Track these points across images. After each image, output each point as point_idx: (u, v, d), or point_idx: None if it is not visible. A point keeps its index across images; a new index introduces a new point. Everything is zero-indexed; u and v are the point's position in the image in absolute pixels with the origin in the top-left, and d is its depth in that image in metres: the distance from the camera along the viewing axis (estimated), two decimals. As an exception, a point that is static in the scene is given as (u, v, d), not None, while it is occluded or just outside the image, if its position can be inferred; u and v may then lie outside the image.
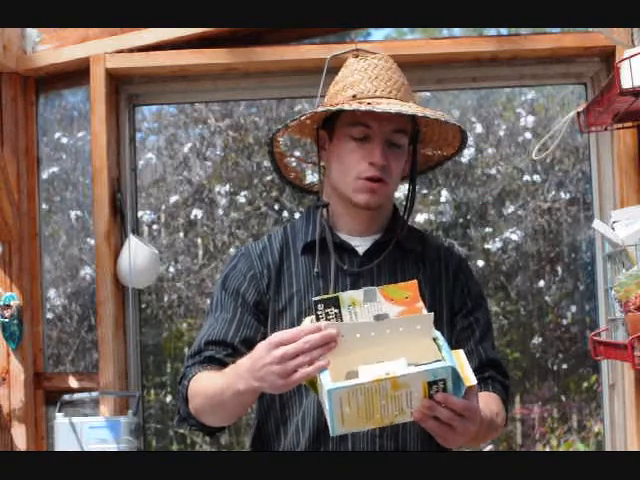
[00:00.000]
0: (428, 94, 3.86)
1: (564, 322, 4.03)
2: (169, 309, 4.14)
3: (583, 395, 3.99)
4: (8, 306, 2.69)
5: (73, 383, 2.76)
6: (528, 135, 4.07)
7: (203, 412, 1.69)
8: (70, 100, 3.02)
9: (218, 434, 1.84)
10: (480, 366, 1.78)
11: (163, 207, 4.18)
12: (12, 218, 2.68)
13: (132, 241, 2.70)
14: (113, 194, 2.73)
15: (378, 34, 3.53)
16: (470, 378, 1.47)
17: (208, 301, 3.99)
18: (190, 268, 4.16)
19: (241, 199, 4.13)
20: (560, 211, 3.99)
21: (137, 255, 2.69)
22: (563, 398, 4.04)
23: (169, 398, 4.14)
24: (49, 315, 3.12)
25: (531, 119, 4.07)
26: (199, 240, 4.19)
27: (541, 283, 4.02)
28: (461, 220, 4.10)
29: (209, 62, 2.71)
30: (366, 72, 1.78)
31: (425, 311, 1.53)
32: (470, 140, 4.04)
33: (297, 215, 3.94)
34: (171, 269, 4.17)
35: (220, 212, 4.17)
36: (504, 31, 2.91)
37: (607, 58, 2.65)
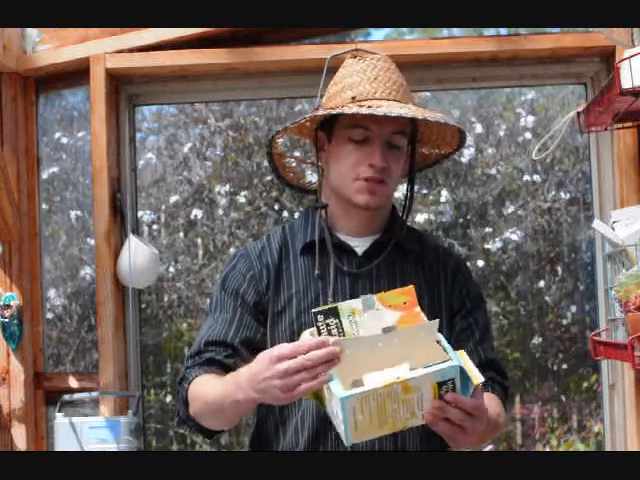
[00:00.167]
0: (428, 94, 3.86)
1: (564, 322, 4.03)
2: (169, 309, 4.14)
3: (583, 395, 3.99)
4: (8, 306, 2.69)
5: (73, 383, 2.76)
6: (528, 135, 4.07)
7: (202, 416, 1.69)
8: (70, 100, 3.02)
9: (217, 436, 1.84)
10: (479, 367, 1.76)
11: (163, 207, 4.18)
12: (12, 218, 2.68)
13: (132, 241, 2.70)
14: (113, 194, 2.73)
15: (378, 34, 3.53)
16: (477, 376, 1.47)
17: (208, 301, 3.98)
18: (190, 268, 4.16)
19: (241, 199, 4.13)
20: (560, 211, 3.99)
21: (137, 255, 2.69)
22: (563, 398, 4.03)
23: (169, 398, 4.13)
24: (49, 315, 3.12)
25: (531, 119, 4.07)
26: (199, 240, 4.19)
27: (541, 283, 4.02)
28: (461, 220, 4.10)
29: (209, 62, 2.71)
30: (365, 73, 1.77)
31: (423, 315, 1.53)
32: (470, 140, 4.04)
33: (297, 215, 3.94)
34: (171, 269, 4.17)
35: (220, 212, 4.16)
36: (504, 31, 2.91)
37: (607, 58, 2.65)
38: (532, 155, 2.58)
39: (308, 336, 1.49)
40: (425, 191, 4.11)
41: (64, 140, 3.07)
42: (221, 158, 4.24)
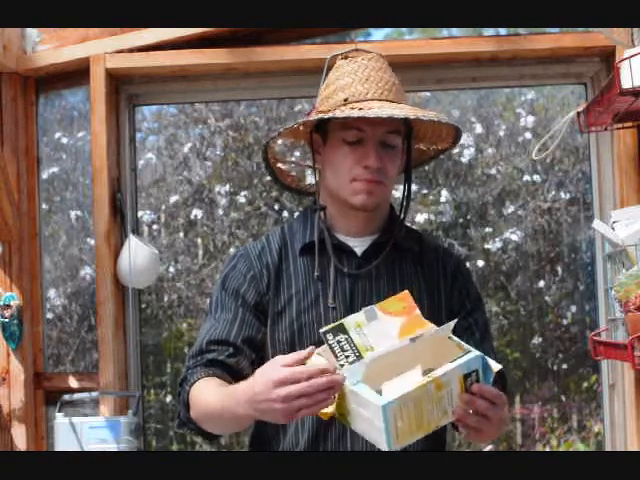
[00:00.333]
0: (428, 94, 3.86)
1: (564, 322, 4.03)
2: (169, 309, 4.14)
3: (583, 395, 3.99)
4: (8, 306, 2.69)
5: (73, 383, 2.76)
6: (528, 135, 4.07)
7: (203, 421, 1.69)
8: (70, 100, 3.02)
9: (218, 439, 1.84)
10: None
11: (163, 207, 4.18)
12: (12, 218, 2.68)
13: (132, 241, 2.70)
14: (113, 194, 2.73)
15: (378, 34, 3.53)
16: (495, 364, 1.48)
17: (208, 301, 3.98)
18: (190, 268, 4.16)
19: (241, 199, 4.13)
20: (560, 211, 3.99)
21: (137, 255, 2.69)
22: (563, 398, 4.03)
23: (169, 398, 4.13)
24: (49, 315, 3.12)
25: (531, 119, 4.07)
26: (199, 240, 4.19)
27: (541, 283, 4.02)
28: (461, 220, 4.10)
29: (209, 62, 2.71)
30: (356, 74, 1.77)
31: (423, 318, 1.54)
32: (470, 140, 4.04)
33: (297, 215, 3.93)
34: (171, 269, 4.17)
35: (220, 212, 4.16)
36: (503, 31, 2.91)
37: (607, 58, 2.65)
38: (532, 155, 2.58)
39: (317, 358, 1.47)
40: (425, 191, 4.11)
41: (64, 140, 3.07)
42: (221, 158, 4.25)
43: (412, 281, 1.78)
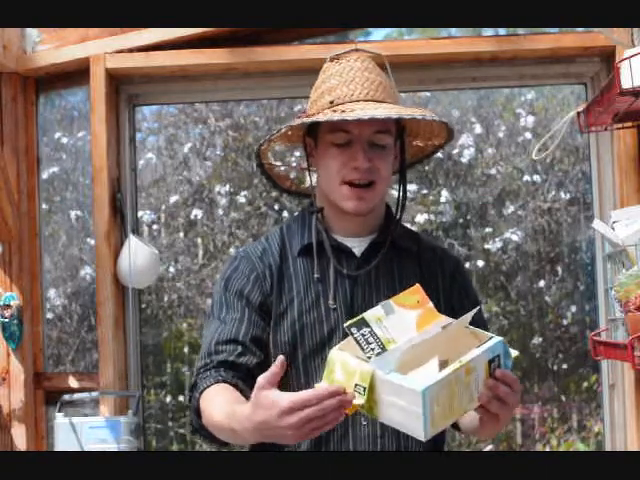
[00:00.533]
0: (428, 94, 3.86)
1: (564, 322, 4.03)
2: (169, 309, 4.14)
3: (583, 395, 3.99)
4: (8, 306, 2.69)
5: (73, 383, 2.76)
6: (528, 135, 4.07)
7: (214, 433, 1.66)
8: (70, 100, 3.02)
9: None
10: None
11: (163, 207, 4.18)
12: (12, 218, 2.68)
13: (132, 241, 2.70)
14: (113, 194, 2.73)
15: (378, 34, 3.53)
16: (513, 351, 1.50)
17: (208, 301, 3.99)
18: (190, 268, 4.16)
19: (241, 199, 4.13)
20: (560, 211, 3.99)
21: (137, 255, 2.69)
22: (563, 398, 4.04)
23: (169, 398, 4.14)
24: (49, 315, 3.12)
25: (531, 119, 4.07)
26: (199, 240, 4.19)
27: (541, 283, 4.03)
28: (461, 220, 4.10)
29: (209, 62, 2.71)
30: (341, 76, 1.77)
31: (435, 310, 1.55)
32: (470, 140, 4.04)
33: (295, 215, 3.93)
34: (171, 269, 4.17)
35: (220, 212, 4.17)
36: (503, 31, 2.91)
37: (607, 58, 2.65)
38: (532, 155, 2.58)
39: (339, 354, 1.48)
40: (425, 191, 4.12)
41: (64, 140, 3.07)
42: (221, 158, 4.25)
43: (411, 280, 1.78)
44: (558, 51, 2.67)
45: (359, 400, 1.42)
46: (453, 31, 2.91)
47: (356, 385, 1.41)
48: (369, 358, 1.43)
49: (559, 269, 4.01)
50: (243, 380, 1.68)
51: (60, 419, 2.60)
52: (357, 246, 1.81)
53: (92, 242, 2.90)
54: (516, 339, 4.05)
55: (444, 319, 1.54)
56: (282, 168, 1.98)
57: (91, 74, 2.70)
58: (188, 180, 4.18)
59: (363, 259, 1.79)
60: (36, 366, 2.78)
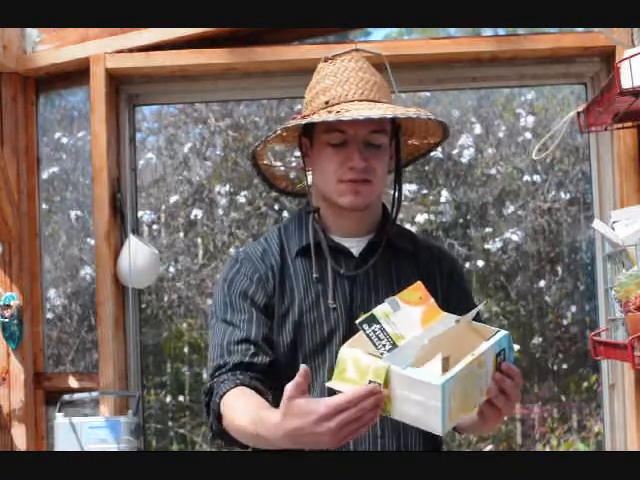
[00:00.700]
0: (428, 94, 3.86)
1: (564, 322, 4.03)
2: (169, 309, 4.14)
3: (583, 395, 3.99)
4: (8, 306, 2.69)
5: (73, 383, 2.76)
6: (528, 135, 4.08)
7: (237, 437, 1.65)
8: (70, 100, 3.02)
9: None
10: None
11: (163, 207, 4.18)
12: (12, 218, 2.68)
13: (132, 241, 2.70)
14: (113, 194, 2.73)
15: (378, 34, 3.53)
16: (514, 345, 1.51)
17: (208, 301, 3.99)
18: (190, 268, 4.16)
19: (241, 199, 4.13)
20: (560, 211, 4.00)
21: (137, 255, 2.69)
22: (563, 398, 4.04)
23: (169, 398, 4.14)
24: (49, 315, 3.12)
25: (531, 119, 4.07)
26: (199, 240, 4.19)
27: (541, 283, 4.03)
28: (461, 220, 4.10)
29: (209, 62, 2.71)
30: (336, 76, 1.77)
31: (437, 306, 1.56)
32: (470, 140, 4.04)
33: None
34: (171, 269, 4.17)
35: (220, 212, 4.17)
36: (502, 31, 2.91)
37: (607, 58, 2.65)
38: (532, 155, 2.58)
39: (349, 351, 1.48)
40: (425, 191, 4.12)
41: (64, 140, 3.07)
42: (221, 158, 4.25)
43: (409, 280, 1.78)
44: (558, 51, 2.67)
45: None
46: (453, 31, 2.91)
47: (370, 382, 1.41)
48: (381, 354, 1.43)
49: (559, 269, 4.01)
50: (261, 381, 1.67)
51: (60, 419, 2.60)
52: (355, 246, 1.81)
53: (92, 242, 2.90)
54: (516, 339, 4.03)
55: (446, 314, 1.55)
56: (282, 168, 1.98)
57: (91, 74, 2.70)
58: (188, 180, 4.18)
59: (361, 259, 1.80)
60: (36, 366, 2.78)
